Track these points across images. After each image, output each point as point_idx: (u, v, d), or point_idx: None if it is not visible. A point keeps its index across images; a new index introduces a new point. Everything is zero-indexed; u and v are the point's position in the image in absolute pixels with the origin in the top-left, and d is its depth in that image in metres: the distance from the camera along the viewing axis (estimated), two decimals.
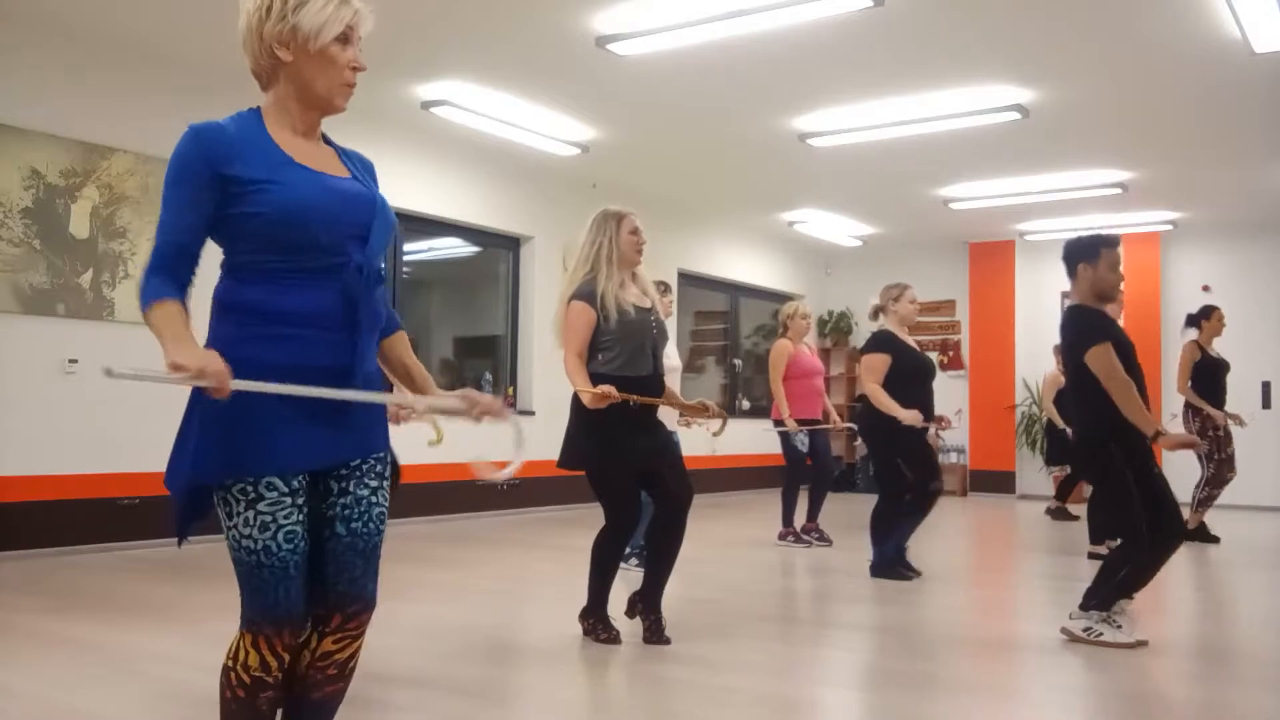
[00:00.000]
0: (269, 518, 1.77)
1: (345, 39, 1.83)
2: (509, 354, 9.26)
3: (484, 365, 9.21)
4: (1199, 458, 7.28)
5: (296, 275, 1.77)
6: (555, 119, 7.67)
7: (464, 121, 7.52)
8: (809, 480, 7.09)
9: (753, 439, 11.36)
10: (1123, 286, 4.27)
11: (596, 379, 3.86)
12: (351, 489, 1.87)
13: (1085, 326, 4.03)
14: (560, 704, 3.30)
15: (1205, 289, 11.13)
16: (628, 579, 4.36)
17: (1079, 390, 4.12)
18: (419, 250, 8.67)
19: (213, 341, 1.78)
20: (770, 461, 11.12)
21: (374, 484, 1.89)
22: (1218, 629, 4.70)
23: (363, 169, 1.97)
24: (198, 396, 1.78)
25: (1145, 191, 9.69)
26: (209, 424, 1.76)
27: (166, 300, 1.73)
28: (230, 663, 1.83)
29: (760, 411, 12.28)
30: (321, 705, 1.93)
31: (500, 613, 4.64)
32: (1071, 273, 4.21)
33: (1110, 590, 4.06)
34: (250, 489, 1.76)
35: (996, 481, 11.99)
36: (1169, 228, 11.17)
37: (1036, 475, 11.78)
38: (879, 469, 5.73)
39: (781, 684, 3.55)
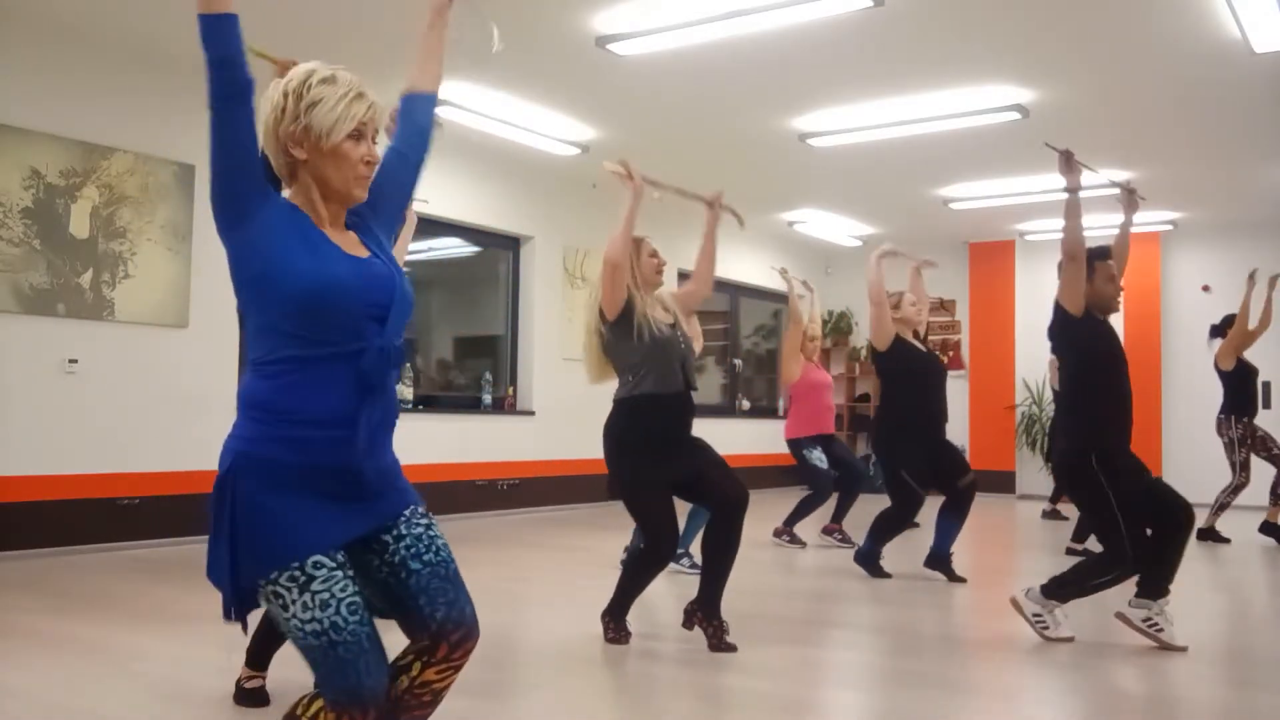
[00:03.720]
0: (326, 595, 1.74)
1: (358, 135, 1.87)
2: (509, 354, 9.26)
3: (484, 365, 9.21)
4: (1231, 465, 7.43)
5: (313, 366, 1.79)
6: (555, 119, 7.67)
7: (464, 121, 7.52)
8: (835, 490, 7.03)
9: (753, 439, 11.38)
10: (1121, 298, 4.33)
11: (631, 401, 3.87)
12: (406, 531, 1.89)
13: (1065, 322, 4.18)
14: (560, 704, 3.30)
15: (1205, 289, 11.14)
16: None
17: (1068, 400, 4.20)
18: (419, 250, 8.67)
19: (236, 438, 1.83)
20: (771, 461, 11.14)
21: (425, 522, 1.92)
22: (1220, 629, 4.70)
23: (365, 230, 1.98)
24: (223, 498, 1.79)
25: (1145, 191, 9.63)
26: (240, 523, 1.76)
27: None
28: None
29: (761, 412, 12.30)
30: None
31: (500, 613, 4.63)
32: (1091, 273, 4.25)
33: (1077, 591, 4.09)
34: (298, 573, 1.74)
35: (996, 481, 11.98)
36: (1169, 228, 11.17)
37: (1036, 475, 11.78)
38: (886, 480, 5.68)
39: (782, 684, 3.55)
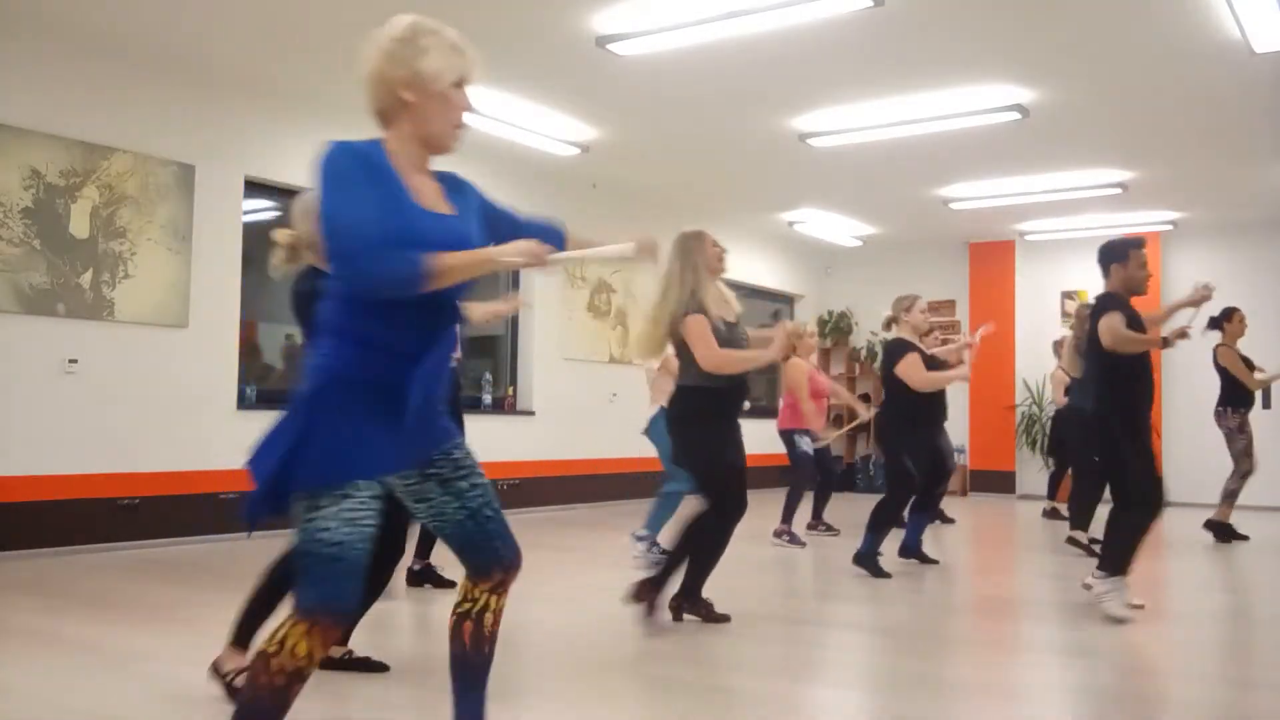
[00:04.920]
0: (356, 515, 1.91)
1: (460, 84, 2.05)
2: (509, 354, 9.26)
3: (484, 365, 9.21)
4: (1234, 455, 7.58)
5: (390, 305, 1.94)
6: (555, 119, 7.67)
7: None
8: (814, 484, 7.37)
9: (753, 439, 11.36)
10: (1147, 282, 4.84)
11: (697, 392, 4.18)
12: (478, 481, 2.17)
13: (1100, 308, 4.66)
14: (560, 704, 3.30)
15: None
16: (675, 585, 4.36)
17: (1094, 371, 4.70)
18: None
19: (334, 358, 1.97)
20: (770, 462, 11.14)
21: (481, 472, 2.20)
22: (1224, 628, 4.70)
23: (458, 190, 2.15)
24: (310, 406, 1.94)
25: (1145, 191, 9.68)
26: (315, 433, 1.91)
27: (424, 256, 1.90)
28: (274, 649, 1.88)
29: (761, 411, 12.28)
30: (492, 657, 2.22)
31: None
32: (1105, 272, 4.80)
33: (1121, 554, 4.50)
34: (338, 490, 1.91)
35: (996, 481, 11.98)
36: (1169, 228, 11.17)
37: (1036, 475, 11.78)
38: (887, 466, 6.00)
39: (782, 684, 3.55)
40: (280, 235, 3.12)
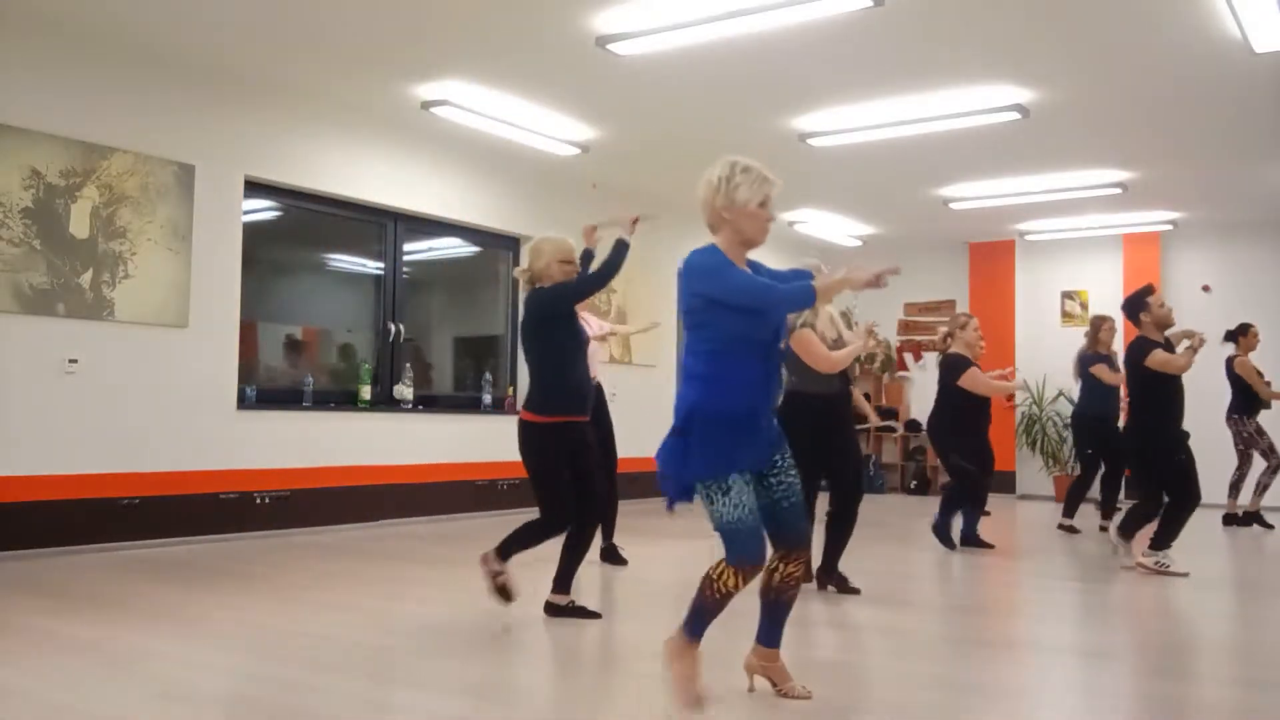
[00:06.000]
0: (739, 498, 2.87)
1: (764, 203, 2.96)
2: (509, 354, 9.26)
3: (484, 365, 9.21)
4: (1260, 453, 8.18)
5: (747, 357, 2.92)
6: (555, 119, 7.67)
7: (464, 121, 7.52)
8: None
9: None
10: (1173, 315, 5.90)
11: (793, 396, 4.82)
12: (786, 479, 3.02)
13: (1139, 350, 5.71)
14: (560, 703, 3.30)
15: (1205, 289, 11.14)
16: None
17: (1146, 398, 5.75)
18: (419, 250, 8.67)
19: (700, 395, 2.91)
20: None
21: (793, 471, 3.04)
22: (1232, 626, 4.70)
23: (755, 269, 3.07)
24: (689, 428, 2.89)
25: (1145, 191, 9.68)
26: (696, 445, 2.88)
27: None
28: (715, 576, 2.93)
29: None
30: (790, 603, 3.14)
31: (500, 613, 4.63)
32: (1137, 322, 5.79)
33: (1170, 533, 5.62)
34: (723, 484, 2.87)
35: (997, 481, 11.92)
36: (1169, 228, 11.17)
37: (1036, 475, 11.78)
38: (946, 464, 7.05)
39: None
40: (518, 272, 4.73)
